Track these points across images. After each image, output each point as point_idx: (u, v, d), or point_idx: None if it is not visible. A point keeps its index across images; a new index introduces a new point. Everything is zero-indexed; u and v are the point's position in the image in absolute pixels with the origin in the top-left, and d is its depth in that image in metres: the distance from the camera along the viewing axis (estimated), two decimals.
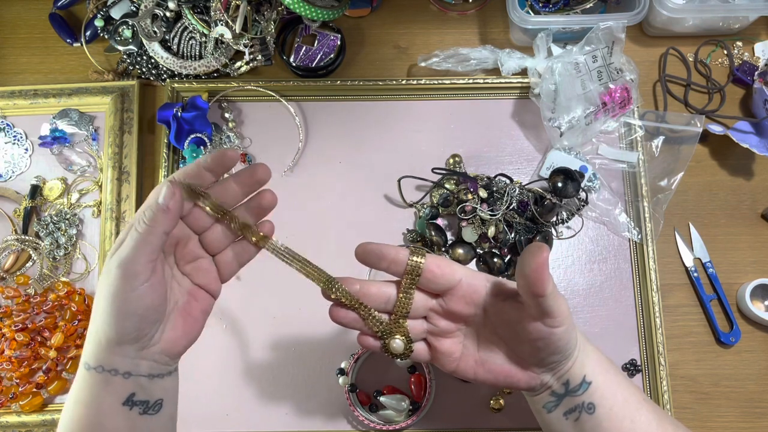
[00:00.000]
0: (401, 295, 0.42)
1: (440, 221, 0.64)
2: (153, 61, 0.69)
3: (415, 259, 0.41)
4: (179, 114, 0.64)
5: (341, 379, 0.59)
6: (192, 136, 0.64)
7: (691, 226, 0.66)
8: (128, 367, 0.40)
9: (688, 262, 0.65)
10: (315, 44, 0.70)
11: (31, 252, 0.64)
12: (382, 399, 0.58)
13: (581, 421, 0.42)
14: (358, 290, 0.42)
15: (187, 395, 0.61)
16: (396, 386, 0.60)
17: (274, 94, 0.67)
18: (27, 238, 0.64)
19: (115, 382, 0.40)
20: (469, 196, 0.62)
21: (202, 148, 0.64)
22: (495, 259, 0.62)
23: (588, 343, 0.44)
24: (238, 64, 0.69)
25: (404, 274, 0.42)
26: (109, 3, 0.69)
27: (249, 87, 0.67)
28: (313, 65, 0.69)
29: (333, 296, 0.42)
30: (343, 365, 0.60)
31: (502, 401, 0.60)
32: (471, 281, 0.42)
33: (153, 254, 0.39)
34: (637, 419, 0.42)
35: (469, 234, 0.62)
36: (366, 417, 0.58)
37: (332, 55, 0.70)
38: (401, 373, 0.61)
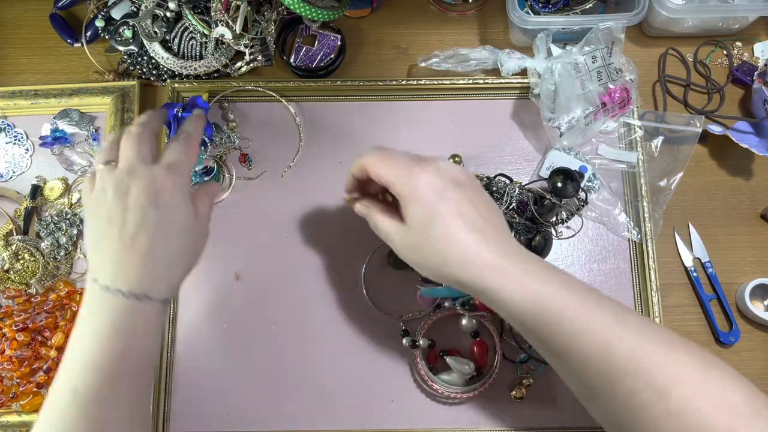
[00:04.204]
0: None
1: None
2: (153, 61, 0.69)
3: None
4: (180, 114, 0.64)
5: (405, 340, 0.60)
6: None
7: (691, 226, 0.66)
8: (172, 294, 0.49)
9: (688, 261, 0.65)
10: (315, 45, 0.70)
11: (32, 251, 0.64)
12: (448, 359, 0.59)
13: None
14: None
15: (187, 394, 0.61)
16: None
17: (274, 95, 0.67)
18: (28, 238, 0.65)
19: (165, 311, 0.48)
20: None
21: (202, 147, 0.64)
22: None
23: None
24: (239, 64, 0.69)
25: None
26: (109, 3, 0.69)
27: (249, 87, 0.67)
28: (314, 66, 0.69)
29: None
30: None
31: (524, 390, 0.60)
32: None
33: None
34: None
35: None
36: (433, 379, 0.59)
37: (332, 56, 0.70)
38: (465, 339, 0.62)
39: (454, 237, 0.43)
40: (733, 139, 0.65)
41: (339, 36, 0.70)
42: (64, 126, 0.67)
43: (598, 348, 0.40)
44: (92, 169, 0.52)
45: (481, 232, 0.43)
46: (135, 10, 0.69)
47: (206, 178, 0.65)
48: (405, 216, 0.45)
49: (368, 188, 0.52)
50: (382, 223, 0.47)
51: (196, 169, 0.64)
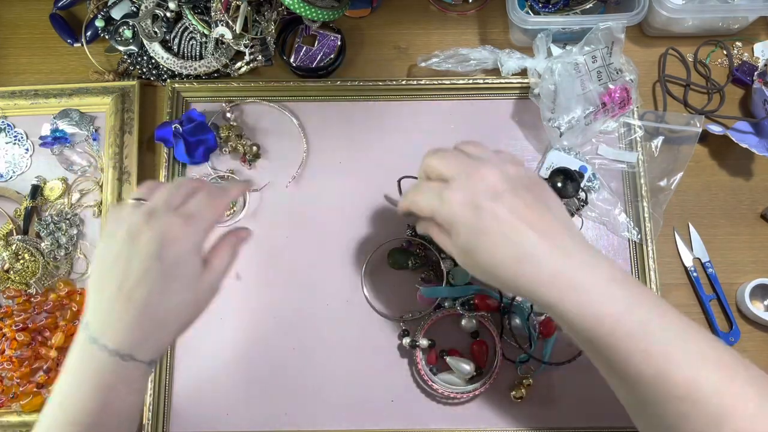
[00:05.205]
0: None
1: None
2: (153, 61, 0.69)
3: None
4: (180, 130, 0.63)
5: (405, 340, 0.60)
6: (201, 146, 0.65)
7: (691, 226, 0.66)
8: (159, 355, 0.46)
9: (688, 262, 0.65)
10: (315, 45, 0.70)
11: (32, 252, 0.64)
12: (448, 360, 0.59)
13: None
14: None
15: (187, 394, 0.61)
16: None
17: (274, 105, 0.68)
18: (28, 238, 0.65)
19: (149, 371, 0.45)
20: None
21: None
22: None
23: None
24: (239, 64, 0.69)
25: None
26: (109, 3, 0.69)
27: (249, 101, 0.67)
28: (314, 65, 0.69)
29: None
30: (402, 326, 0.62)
31: (524, 390, 0.60)
32: None
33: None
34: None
35: None
36: (433, 379, 0.59)
37: (332, 56, 0.70)
38: (465, 339, 0.62)
39: (498, 257, 0.41)
40: (733, 139, 0.65)
41: (339, 36, 0.70)
42: (64, 126, 0.67)
43: (653, 371, 0.39)
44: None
45: (525, 245, 0.41)
46: (135, 10, 0.69)
47: None
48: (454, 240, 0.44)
49: None
50: (441, 242, 0.46)
51: None
